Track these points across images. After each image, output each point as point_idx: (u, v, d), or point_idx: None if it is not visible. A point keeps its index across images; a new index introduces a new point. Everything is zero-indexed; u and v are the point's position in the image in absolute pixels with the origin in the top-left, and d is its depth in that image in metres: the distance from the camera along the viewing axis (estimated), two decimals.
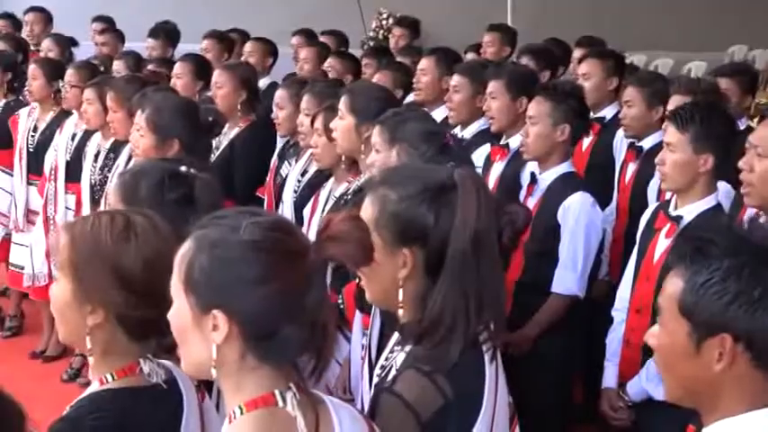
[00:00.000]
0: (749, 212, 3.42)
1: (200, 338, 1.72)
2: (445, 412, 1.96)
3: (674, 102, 4.31)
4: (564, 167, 4.05)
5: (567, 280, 3.92)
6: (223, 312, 1.68)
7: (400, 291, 2.08)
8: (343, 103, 3.92)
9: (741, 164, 3.19)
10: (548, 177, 4.02)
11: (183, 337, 1.75)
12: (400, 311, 2.10)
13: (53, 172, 5.80)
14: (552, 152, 4.03)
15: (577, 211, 3.90)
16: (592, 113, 5.11)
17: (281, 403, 1.71)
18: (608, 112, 5.29)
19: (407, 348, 2.10)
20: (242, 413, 1.70)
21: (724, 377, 1.66)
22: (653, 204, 3.92)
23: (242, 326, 1.69)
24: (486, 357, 2.09)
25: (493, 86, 4.68)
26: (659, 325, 1.74)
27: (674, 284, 1.70)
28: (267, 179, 5.08)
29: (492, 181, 4.43)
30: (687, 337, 1.67)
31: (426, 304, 2.05)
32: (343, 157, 4.02)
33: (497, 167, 4.51)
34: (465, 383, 2.01)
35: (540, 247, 3.86)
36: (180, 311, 1.74)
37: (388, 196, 2.10)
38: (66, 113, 5.95)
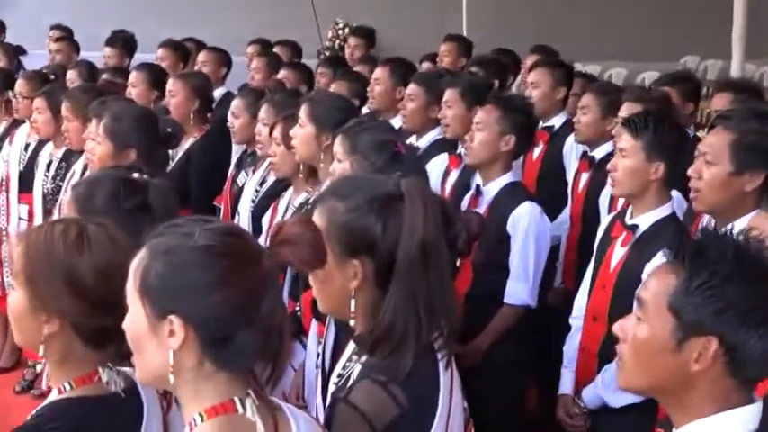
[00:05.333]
0: (703, 221, 3.47)
1: (157, 345, 1.71)
2: (401, 421, 1.97)
3: (626, 109, 4.35)
4: (508, 177, 4.04)
5: (520, 291, 3.93)
6: (179, 317, 1.68)
7: (352, 301, 2.08)
8: (303, 112, 3.92)
9: (690, 171, 3.24)
10: (492, 188, 4.01)
11: (140, 345, 1.75)
12: (352, 322, 2.11)
13: (4, 183, 5.73)
14: (494, 161, 4.01)
15: (527, 222, 3.90)
16: (541, 122, 5.16)
17: (240, 410, 1.71)
18: (556, 121, 5.32)
19: (363, 359, 2.10)
20: (202, 420, 1.70)
21: (698, 377, 1.69)
22: (611, 214, 3.93)
23: (198, 331, 1.69)
24: (441, 365, 2.10)
25: (449, 95, 4.71)
26: (638, 318, 1.75)
27: (665, 281, 1.72)
28: (224, 188, 5.07)
29: (448, 189, 4.45)
30: (669, 334, 1.70)
31: (378, 314, 2.05)
32: (302, 167, 4.01)
33: (453, 176, 4.55)
34: (420, 392, 2.02)
35: (489, 258, 3.83)
36: (135, 319, 1.74)
37: (336, 208, 2.10)
38: (17, 123, 5.89)
